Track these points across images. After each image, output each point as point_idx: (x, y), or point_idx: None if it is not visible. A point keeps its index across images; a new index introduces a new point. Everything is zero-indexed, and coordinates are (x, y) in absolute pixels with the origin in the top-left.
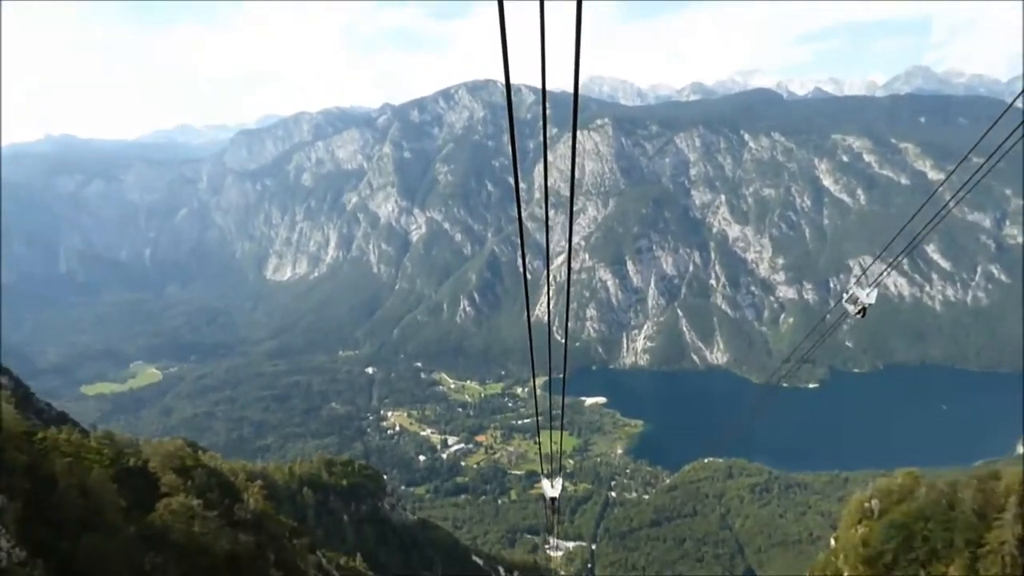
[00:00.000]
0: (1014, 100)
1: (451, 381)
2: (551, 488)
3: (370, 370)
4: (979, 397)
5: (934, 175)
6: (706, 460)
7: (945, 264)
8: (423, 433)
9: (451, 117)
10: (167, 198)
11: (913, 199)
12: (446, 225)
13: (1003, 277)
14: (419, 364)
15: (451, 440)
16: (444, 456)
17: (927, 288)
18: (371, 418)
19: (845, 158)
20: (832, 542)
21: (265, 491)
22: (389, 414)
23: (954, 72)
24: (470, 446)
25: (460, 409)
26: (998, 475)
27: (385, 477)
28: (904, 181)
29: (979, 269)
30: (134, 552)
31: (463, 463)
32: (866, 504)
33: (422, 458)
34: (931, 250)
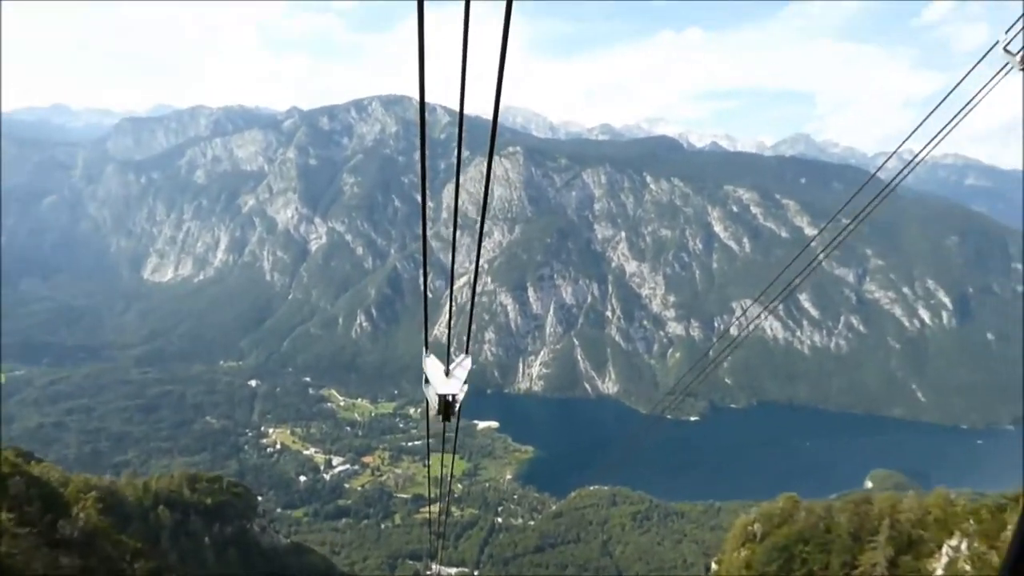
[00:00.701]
0: (875, 173)
1: (341, 398)
2: (444, 379)
3: (253, 383)
4: (836, 436)
5: (810, 231)
6: (592, 488)
7: (814, 312)
8: (306, 452)
9: (362, 128)
10: (32, 182)
11: (791, 251)
12: (348, 237)
13: (861, 327)
14: (308, 379)
15: (336, 460)
16: (327, 477)
17: (798, 333)
18: (250, 434)
19: (735, 208)
20: (714, 565)
21: (100, 505)
22: (270, 431)
23: (830, 142)
24: (356, 467)
25: (348, 428)
26: (870, 500)
27: (260, 498)
28: (784, 234)
29: (842, 319)
30: None
31: (347, 485)
32: (749, 527)
33: (303, 479)
34: (803, 299)
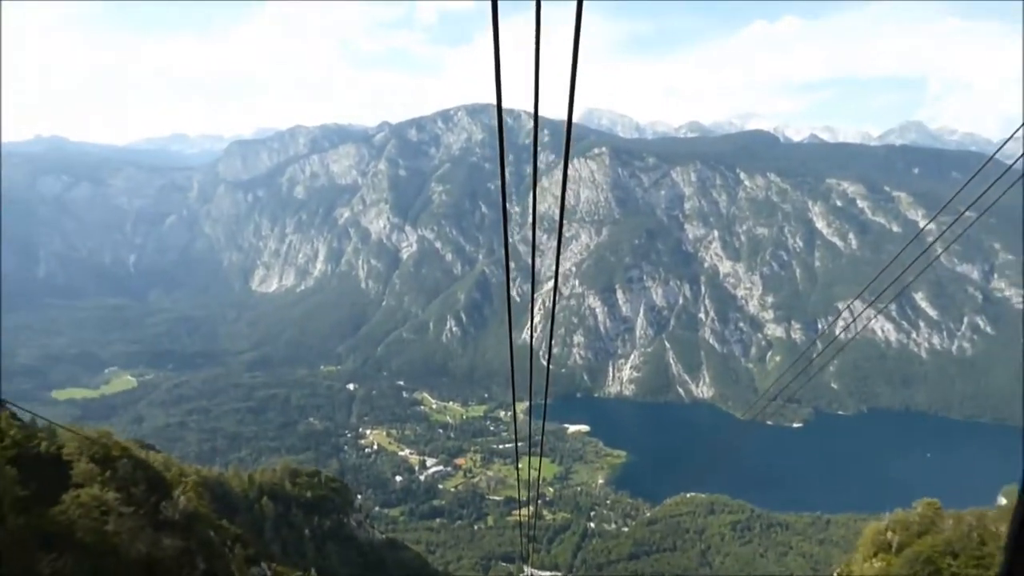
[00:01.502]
0: (993, 154)
1: (433, 401)
2: None
3: (351, 386)
4: (961, 446)
5: (926, 225)
6: (688, 495)
7: (932, 313)
8: (401, 453)
9: (449, 138)
10: (156, 205)
11: (904, 247)
12: (437, 244)
13: (988, 329)
14: (401, 382)
15: (429, 462)
16: (421, 478)
17: (913, 335)
18: (349, 435)
19: (839, 202)
20: None
21: (201, 489)
22: (368, 432)
23: (947, 129)
24: (448, 469)
25: (441, 430)
26: None
27: (359, 497)
28: (896, 229)
29: (965, 319)
30: (25, 550)
31: (440, 486)
32: (883, 536)
33: (399, 479)
34: (919, 298)
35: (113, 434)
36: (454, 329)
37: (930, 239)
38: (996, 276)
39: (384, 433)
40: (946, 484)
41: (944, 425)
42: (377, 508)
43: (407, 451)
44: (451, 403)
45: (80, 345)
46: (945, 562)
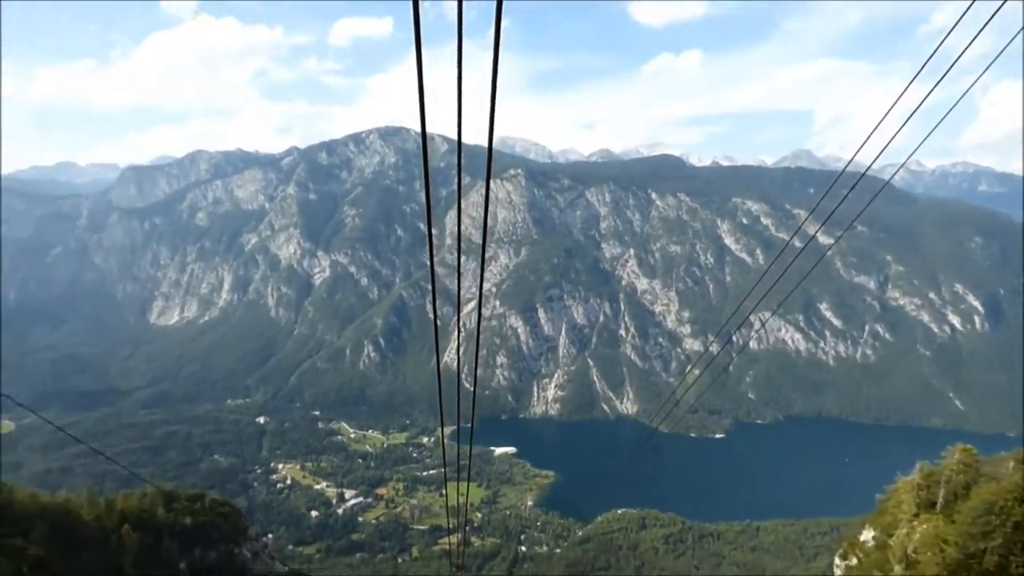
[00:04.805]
0: (865, 171)
1: (351, 431)
2: None
3: (261, 420)
4: (872, 448)
5: (824, 239)
6: (619, 511)
7: (836, 322)
8: (317, 486)
9: (361, 161)
10: (38, 235)
11: (806, 260)
12: (352, 269)
13: (887, 335)
14: (317, 413)
15: (348, 493)
16: (339, 511)
17: (821, 344)
18: (259, 471)
19: (745, 220)
20: (838, 560)
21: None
22: (280, 466)
23: (832, 156)
24: (369, 500)
25: (360, 460)
26: None
27: (270, 536)
28: (798, 243)
29: (866, 327)
30: None
31: (360, 518)
32: (922, 492)
33: (314, 514)
34: (824, 308)
35: None
36: (372, 355)
37: (828, 252)
38: (891, 286)
39: (298, 466)
40: (861, 485)
41: (854, 428)
42: (290, 547)
43: (324, 484)
44: (371, 432)
45: None
46: (1019, 510)
